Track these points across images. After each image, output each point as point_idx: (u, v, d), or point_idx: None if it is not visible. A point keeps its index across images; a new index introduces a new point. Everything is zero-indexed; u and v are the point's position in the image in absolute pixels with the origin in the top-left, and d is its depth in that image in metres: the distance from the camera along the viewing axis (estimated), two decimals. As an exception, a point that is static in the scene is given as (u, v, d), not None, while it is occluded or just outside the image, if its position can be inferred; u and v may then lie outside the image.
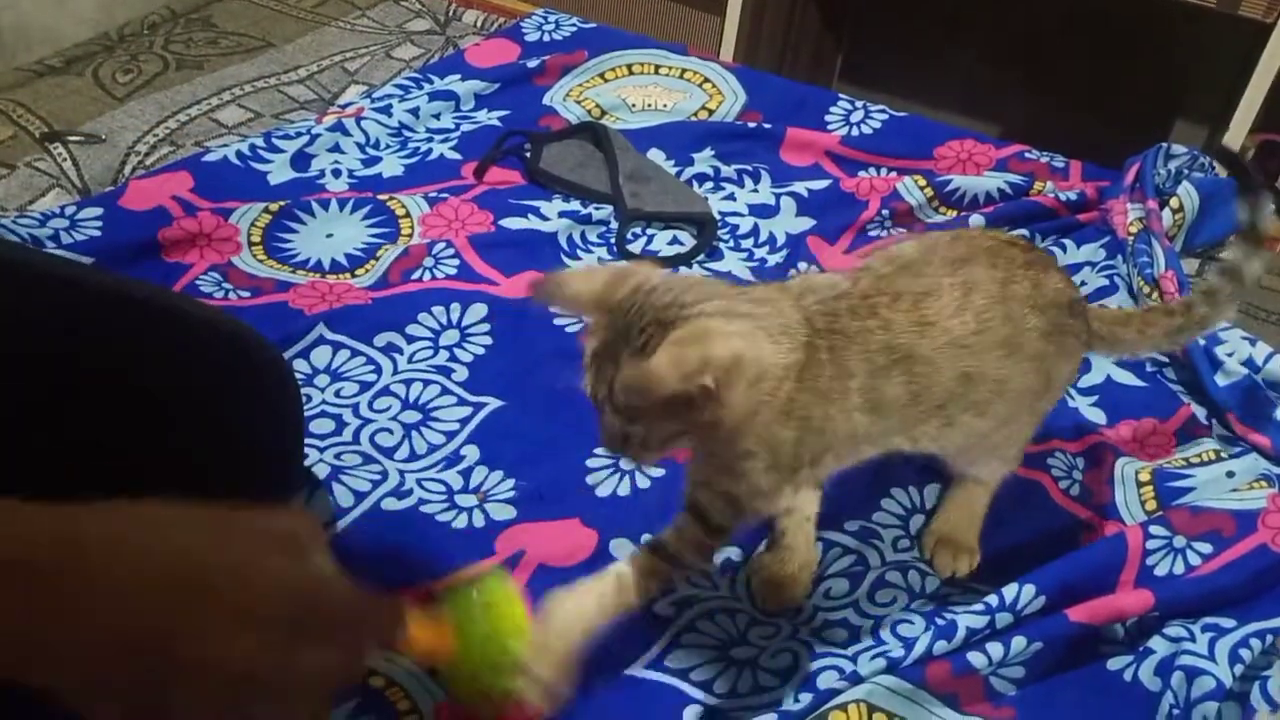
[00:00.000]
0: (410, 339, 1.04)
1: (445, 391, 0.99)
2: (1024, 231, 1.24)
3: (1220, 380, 1.04)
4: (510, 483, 0.91)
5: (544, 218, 1.21)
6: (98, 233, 1.10)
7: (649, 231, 1.22)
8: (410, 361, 1.02)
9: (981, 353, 0.73)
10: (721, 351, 0.60)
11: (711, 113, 1.40)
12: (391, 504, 0.88)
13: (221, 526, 0.48)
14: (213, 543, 0.47)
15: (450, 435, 0.95)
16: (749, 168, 1.32)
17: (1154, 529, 0.88)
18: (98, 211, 1.12)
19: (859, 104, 1.40)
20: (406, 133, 1.33)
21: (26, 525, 0.43)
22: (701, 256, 1.19)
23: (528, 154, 1.29)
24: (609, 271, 0.67)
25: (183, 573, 0.45)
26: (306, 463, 0.89)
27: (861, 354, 0.68)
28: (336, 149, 1.29)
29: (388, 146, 1.31)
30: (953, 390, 0.73)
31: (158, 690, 0.43)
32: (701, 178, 1.31)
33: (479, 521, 0.88)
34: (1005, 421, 0.80)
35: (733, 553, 0.88)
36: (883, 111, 1.39)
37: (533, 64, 1.43)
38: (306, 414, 0.94)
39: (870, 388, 0.69)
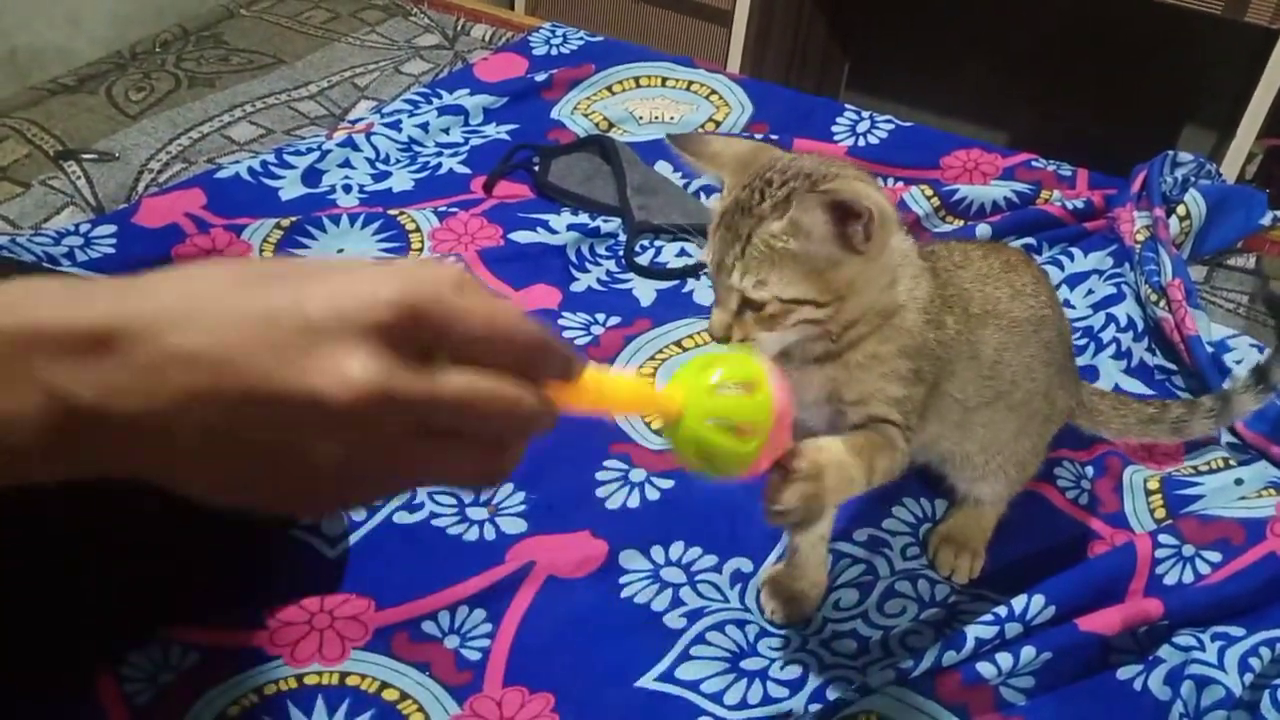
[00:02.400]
0: (421, 353, 1.05)
1: (456, 405, 1.00)
2: (1031, 240, 1.24)
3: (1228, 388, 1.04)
4: (520, 495, 0.92)
5: (553, 231, 1.22)
6: (112, 250, 1.11)
7: (657, 243, 1.22)
8: (421, 375, 1.02)
9: (1042, 343, 0.79)
10: (878, 198, 0.64)
11: (719, 124, 1.40)
12: (403, 517, 0.89)
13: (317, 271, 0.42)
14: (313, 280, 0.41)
15: (461, 448, 0.96)
16: (756, 179, 1.32)
17: (1163, 538, 0.88)
18: (111, 229, 1.14)
19: (865, 114, 1.40)
20: (416, 147, 1.34)
21: (109, 294, 0.39)
22: (709, 268, 1.19)
23: (536, 167, 1.30)
24: (749, 143, 0.70)
25: (284, 317, 0.39)
26: (319, 477, 0.90)
27: (958, 295, 0.73)
28: (347, 164, 1.30)
29: (398, 161, 1.32)
30: (1019, 374, 0.77)
31: (295, 452, 0.39)
32: (709, 189, 1.31)
33: (490, 535, 0.88)
34: (1016, 435, 0.81)
35: (743, 564, 0.88)
36: (889, 121, 1.39)
37: (540, 78, 1.44)
38: (319, 428, 0.95)
39: (968, 331, 0.73)
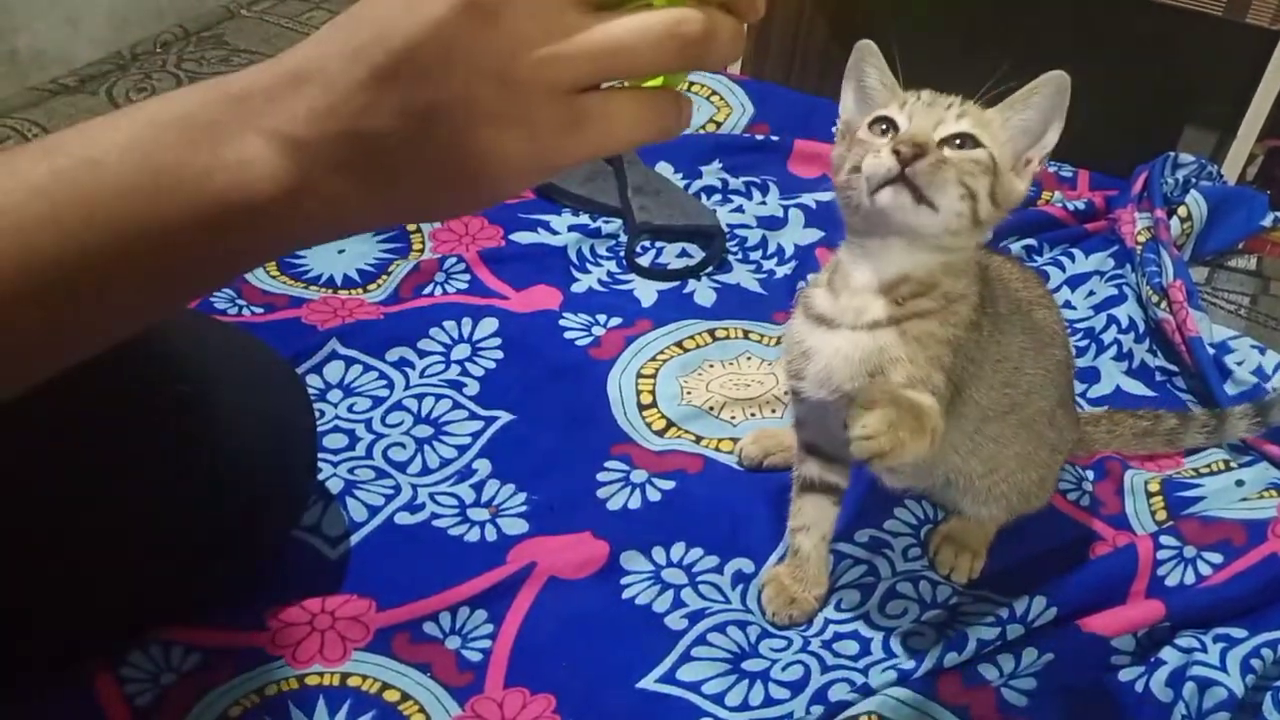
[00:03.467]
0: (422, 354, 1.05)
1: (457, 406, 1.00)
2: (1032, 241, 1.24)
3: (1230, 389, 1.04)
4: (522, 496, 0.92)
5: (554, 231, 1.22)
6: (113, 250, 1.11)
7: (658, 245, 1.22)
8: (422, 376, 1.03)
9: (1054, 360, 0.81)
10: None
11: (719, 125, 1.40)
12: (404, 518, 0.89)
13: None
14: None
15: (462, 449, 0.96)
16: (757, 180, 1.32)
17: (1164, 539, 0.88)
18: (112, 229, 1.14)
19: (866, 115, 1.40)
20: (417, 148, 1.34)
21: (284, 56, 0.42)
22: (710, 269, 1.19)
23: (537, 168, 1.30)
24: None
25: None
26: (320, 477, 0.90)
27: (990, 295, 0.75)
28: (348, 165, 1.29)
29: (398, 162, 1.32)
30: (1034, 384, 0.79)
31: (473, 112, 0.40)
32: (710, 190, 1.31)
33: (491, 535, 0.88)
34: (1021, 461, 0.82)
35: (744, 565, 0.88)
36: (890, 122, 1.39)
37: (541, 78, 1.44)
38: (320, 429, 0.95)
39: (997, 332, 0.75)
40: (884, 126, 0.70)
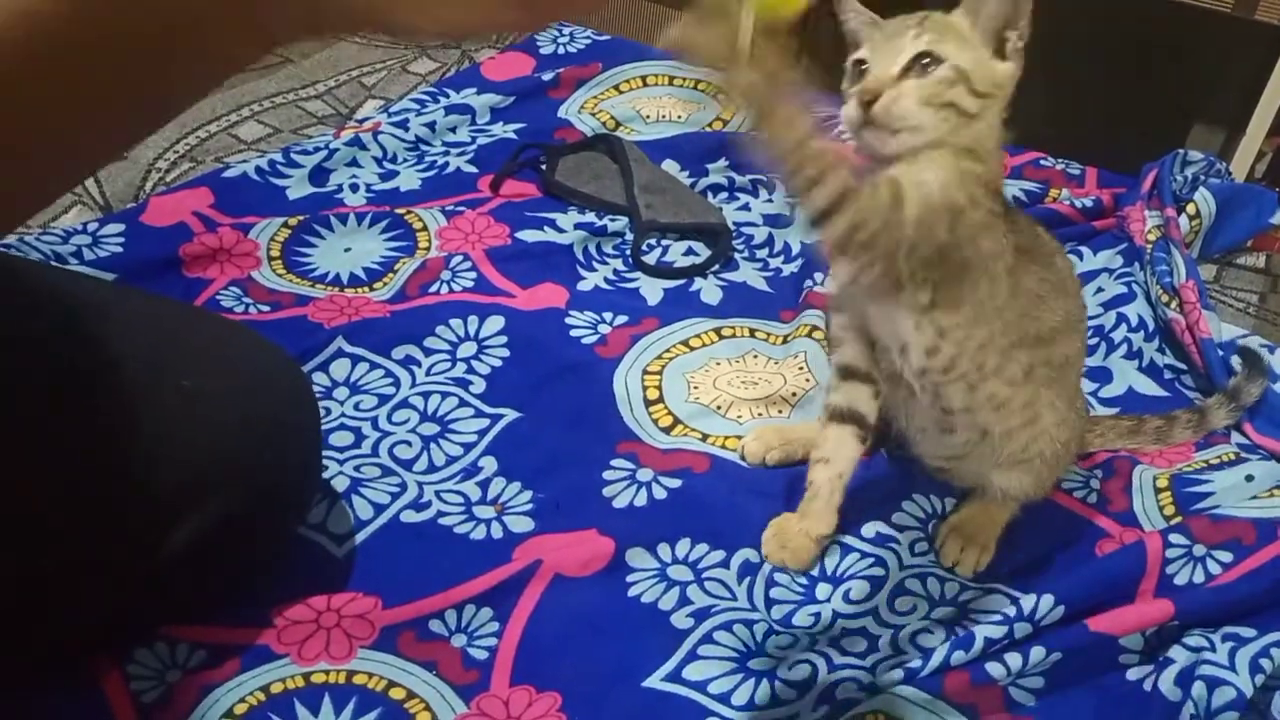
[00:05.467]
0: (428, 351, 1.05)
1: (463, 404, 1.00)
2: (1040, 239, 1.24)
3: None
4: (528, 494, 0.91)
5: (560, 230, 1.22)
6: (120, 249, 1.11)
7: (664, 242, 1.22)
8: (428, 374, 1.03)
9: (1080, 310, 0.83)
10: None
11: (725, 123, 1.40)
12: (410, 516, 0.89)
13: None
14: None
15: (468, 447, 0.96)
16: (763, 177, 1.32)
17: (1173, 537, 0.87)
18: (120, 228, 1.14)
19: (873, 113, 1.40)
20: (423, 146, 1.34)
21: None
22: (716, 267, 1.19)
23: (543, 166, 1.30)
24: None
25: None
26: (326, 475, 0.90)
27: (1015, 221, 0.77)
28: (354, 163, 1.30)
29: (405, 160, 1.32)
30: (1057, 326, 0.79)
31: None
32: (716, 188, 1.31)
33: (497, 533, 0.88)
34: (1058, 419, 0.82)
35: (750, 555, 0.88)
36: (897, 120, 1.38)
37: (548, 77, 1.44)
38: (326, 427, 0.95)
39: (1009, 245, 0.76)
40: (861, 68, 0.74)
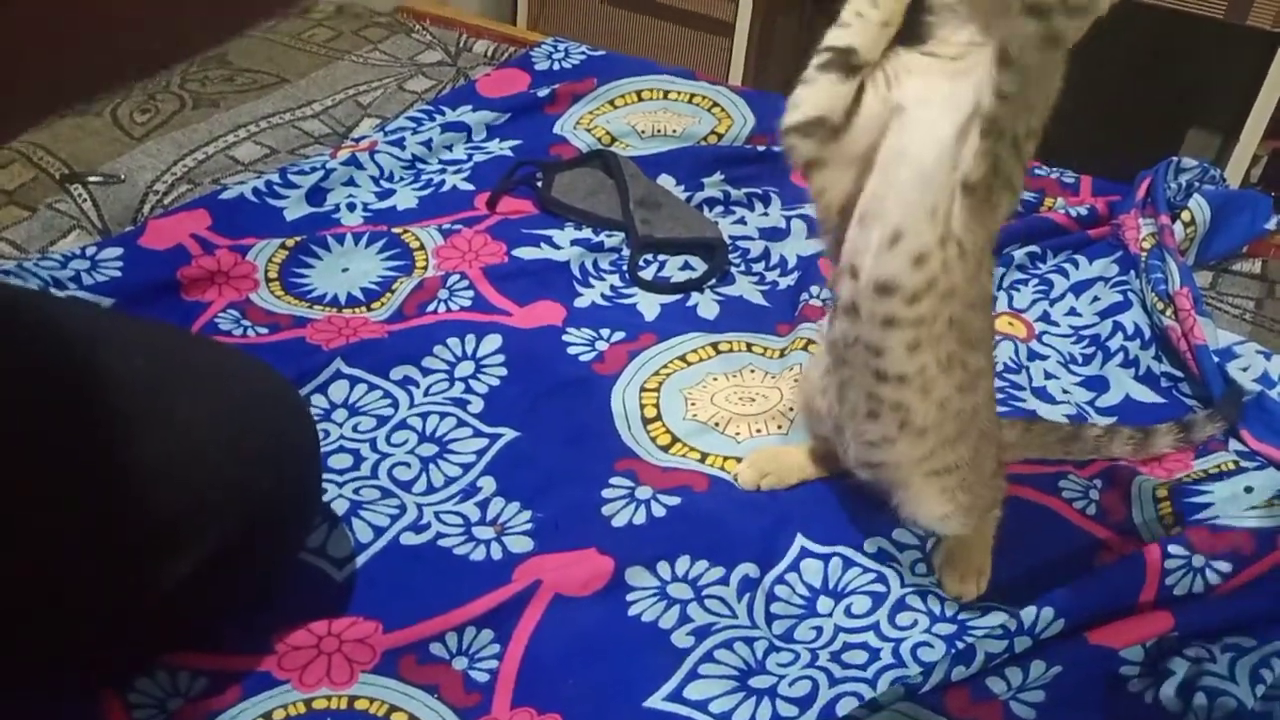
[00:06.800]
0: (426, 372, 1.05)
1: (461, 424, 1.00)
2: (1035, 248, 1.24)
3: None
4: (527, 514, 0.92)
5: (556, 246, 1.22)
6: (118, 273, 1.12)
7: (660, 258, 1.22)
8: (426, 394, 1.03)
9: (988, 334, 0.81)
10: None
11: (721, 137, 1.40)
12: (410, 538, 0.89)
13: None
14: None
15: (467, 467, 0.96)
16: (759, 191, 1.33)
17: (1173, 548, 0.87)
18: (118, 251, 1.14)
19: (868, 124, 1.40)
20: (419, 165, 1.35)
21: None
22: (713, 281, 1.19)
23: (539, 183, 1.30)
24: None
25: None
26: (326, 498, 0.90)
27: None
28: (351, 183, 1.30)
29: (401, 179, 1.32)
30: (978, 334, 0.78)
31: None
32: (712, 202, 1.31)
33: (496, 554, 0.88)
34: (945, 440, 0.80)
35: (750, 570, 0.88)
36: (892, 131, 1.39)
37: (543, 93, 1.45)
38: (325, 449, 0.95)
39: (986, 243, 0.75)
40: None
